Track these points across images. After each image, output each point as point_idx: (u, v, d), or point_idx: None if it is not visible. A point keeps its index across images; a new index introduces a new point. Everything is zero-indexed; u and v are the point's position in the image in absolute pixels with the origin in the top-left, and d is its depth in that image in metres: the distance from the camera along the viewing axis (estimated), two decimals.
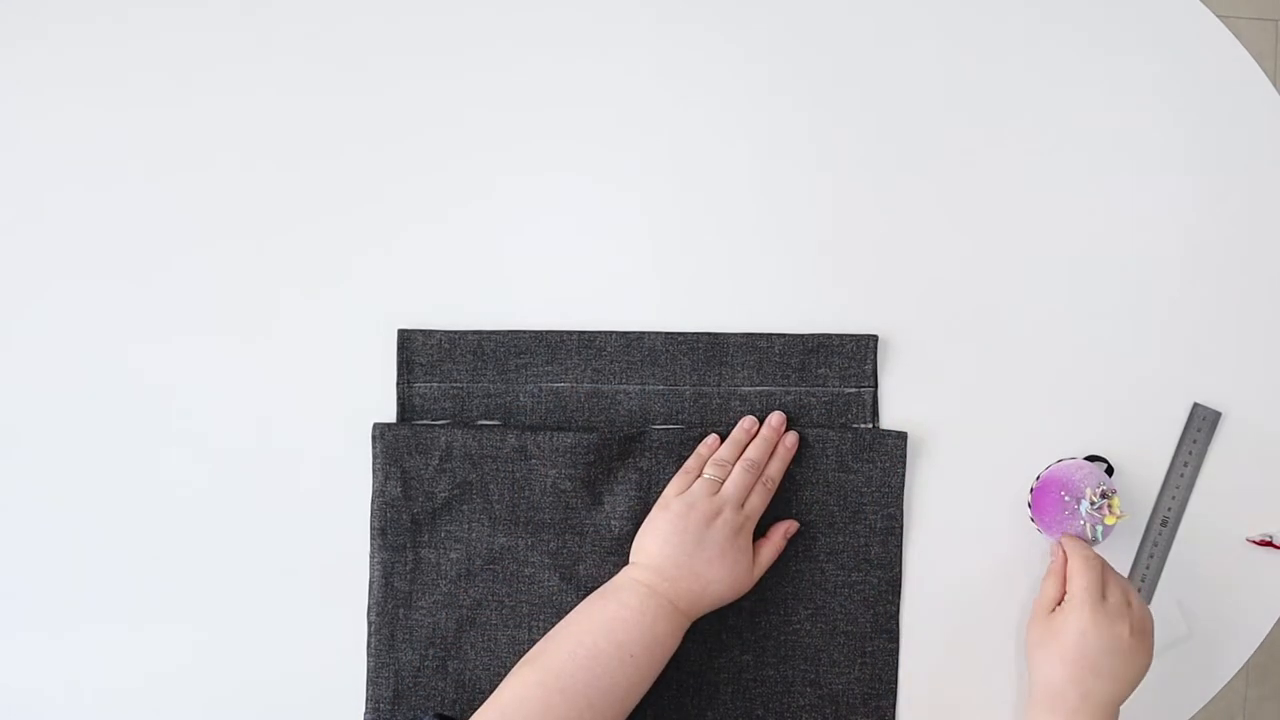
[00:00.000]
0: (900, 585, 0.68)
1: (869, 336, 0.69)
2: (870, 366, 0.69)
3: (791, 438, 0.68)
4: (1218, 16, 0.71)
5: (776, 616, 0.68)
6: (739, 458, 0.67)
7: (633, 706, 0.61)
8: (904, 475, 0.69)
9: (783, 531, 0.67)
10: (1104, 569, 0.64)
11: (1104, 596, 0.62)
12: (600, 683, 0.59)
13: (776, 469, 0.67)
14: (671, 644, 0.62)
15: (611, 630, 0.61)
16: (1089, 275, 0.71)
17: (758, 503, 0.66)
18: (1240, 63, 0.71)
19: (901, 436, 0.69)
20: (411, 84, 0.70)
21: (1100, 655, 0.61)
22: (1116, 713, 0.62)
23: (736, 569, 0.63)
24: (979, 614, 0.69)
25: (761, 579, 0.67)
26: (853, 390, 0.69)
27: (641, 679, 0.61)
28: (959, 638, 0.69)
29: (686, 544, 0.63)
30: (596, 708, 0.59)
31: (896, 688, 0.68)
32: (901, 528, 0.69)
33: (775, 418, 0.68)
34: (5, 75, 0.70)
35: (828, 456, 0.68)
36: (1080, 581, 0.63)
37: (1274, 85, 0.71)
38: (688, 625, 0.64)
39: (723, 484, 0.65)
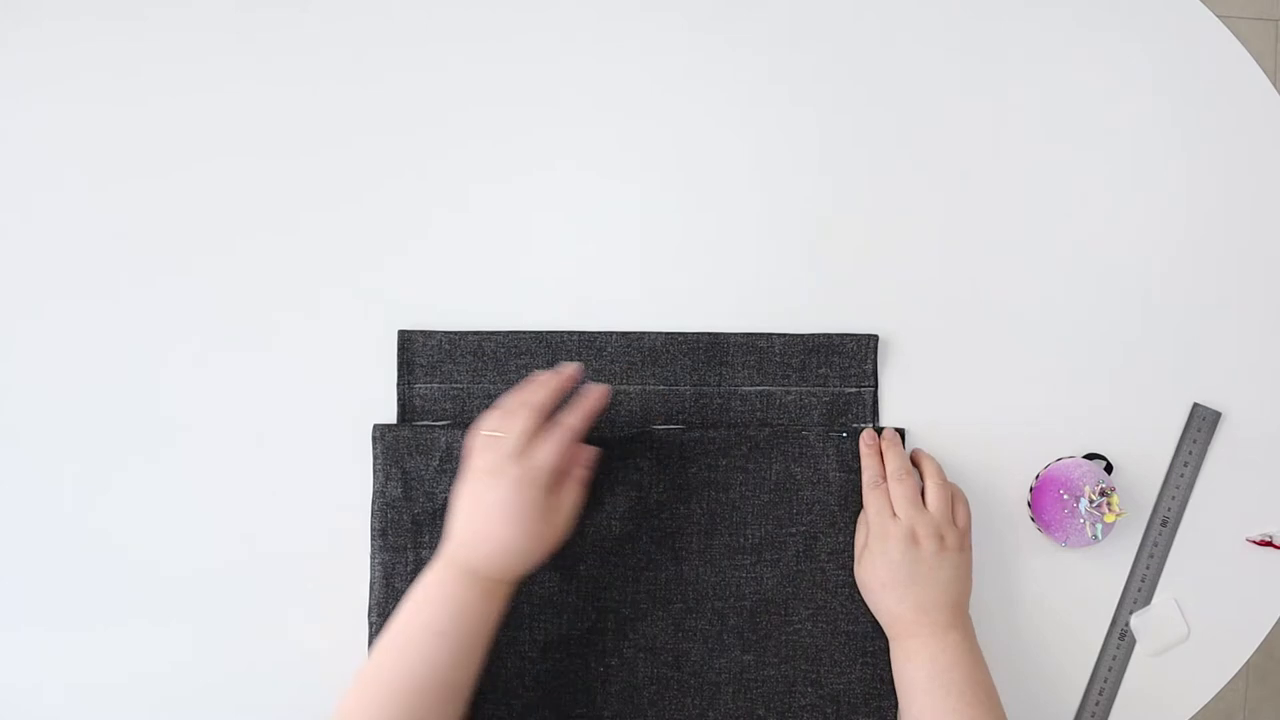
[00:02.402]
0: None
1: (869, 336, 0.69)
2: (870, 366, 0.69)
3: (599, 389, 0.63)
4: (1218, 16, 0.71)
5: (778, 616, 0.68)
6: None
7: (471, 680, 0.60)
8: None
9: (583, 461, 0.63)
10: (887, 493, 0.65)
11: (894, 515, 0.65)
12: (418, 670, 0.58)
13: (575, 418, 0.62)
14: (484, 609, 0.60)
15: (417, 613, 0.59)
16: (1089, 275, 0.71)
17: (546, 452, 0.60)
18: (1240, 63, 0.71)
19: (900, 434, 0.69)
20: (412, 83, 0.70)
21: (911, 567, 0.63)
22: (964, 611, 0.64)
23: (531, 524, 0.59)
24: (978, 618, 0.69)
25: (762, 578, 0.68)
26: (853, 390, 0.69)
27: (462, 652, 0.59)
28: None
29: (475, 506, 0.60)
30: (427, 692, 0.57)
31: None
32: None
33: (569, 368, 0.64)
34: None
35: (828, 456, 0.68)
36: (869, 513, 0.66)
37: (1274, 85, 0.71)
38: (507, 589, 0.61)
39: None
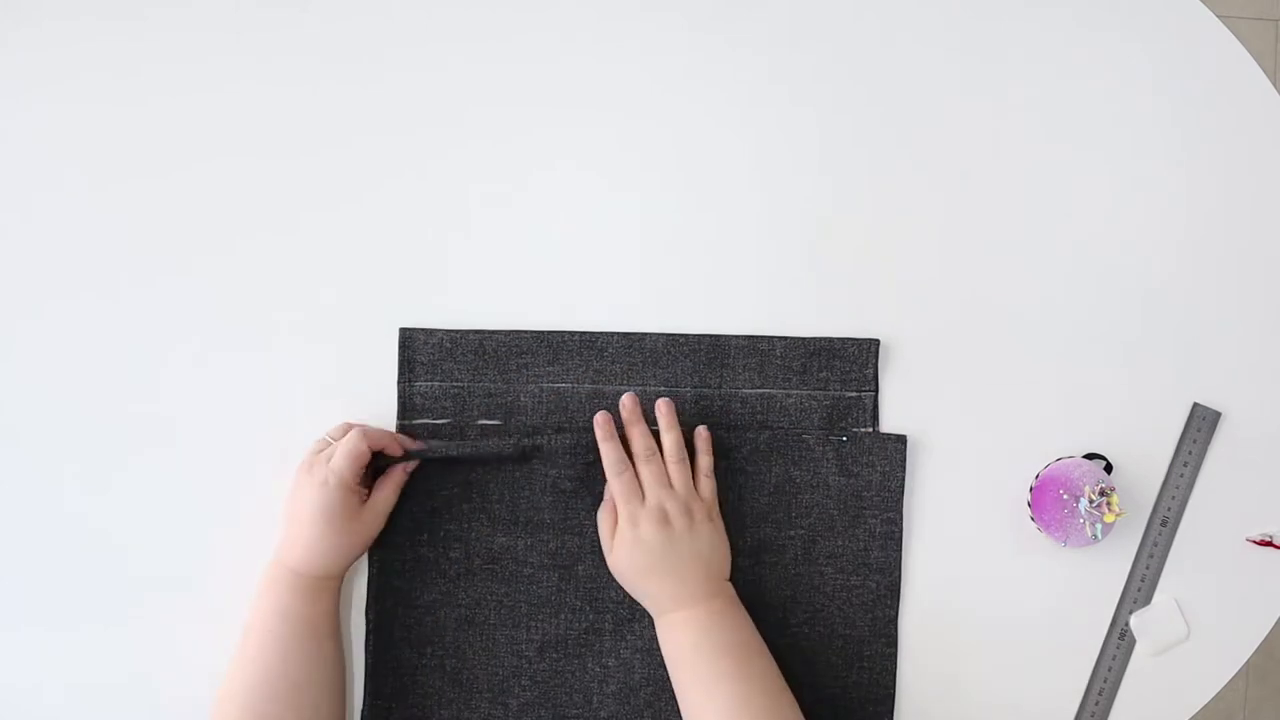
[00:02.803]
0: (899, 590, 0.68)
1: (871, 341, 0.69)
2: (871, 370, 0.69)
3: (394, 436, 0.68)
4: (1218, 16, 0.71)
5: (775, 619, 0.68)
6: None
7: (323, 678, 0.62)
8: (904, 479, 0.69)
9: (401, 469, 0.67)
10: (634, 478, 0.65)
11: (643, 499, 0.65)
12: (260, 672, 0.61)
13: (378, 433, 0.66)
14: (306, 607, 0.63)
15: (251, 617, 0.63)
16: (1089, 276, 0.71)
17: (338, 465, 0.63)
18: (1240, 63, 0.71)
19: (901, 440, 0.69)
20: (412, 84, 0.70)
21: (666, 548, 0.63)
22: (724, 578, 0.65)
23: (337, 522, 0.63)
24: (978, 619, 0.69)
25: (760, 581, 0.68)
26: (854, 394, 0.69)
27: (296, 650, 0.62)
28: (958, 643, 0.69)
29: (292, 506, 0.64)
30: (273, 692, 0.60)
31: (894, 693, 0.68)
32: (901, 532, 0.69)
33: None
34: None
35: (828, 460, 0.68)
36: (617, 499, 0.65)
37: (1274, 85, 0.71)
38: (329, 585, 0.64)
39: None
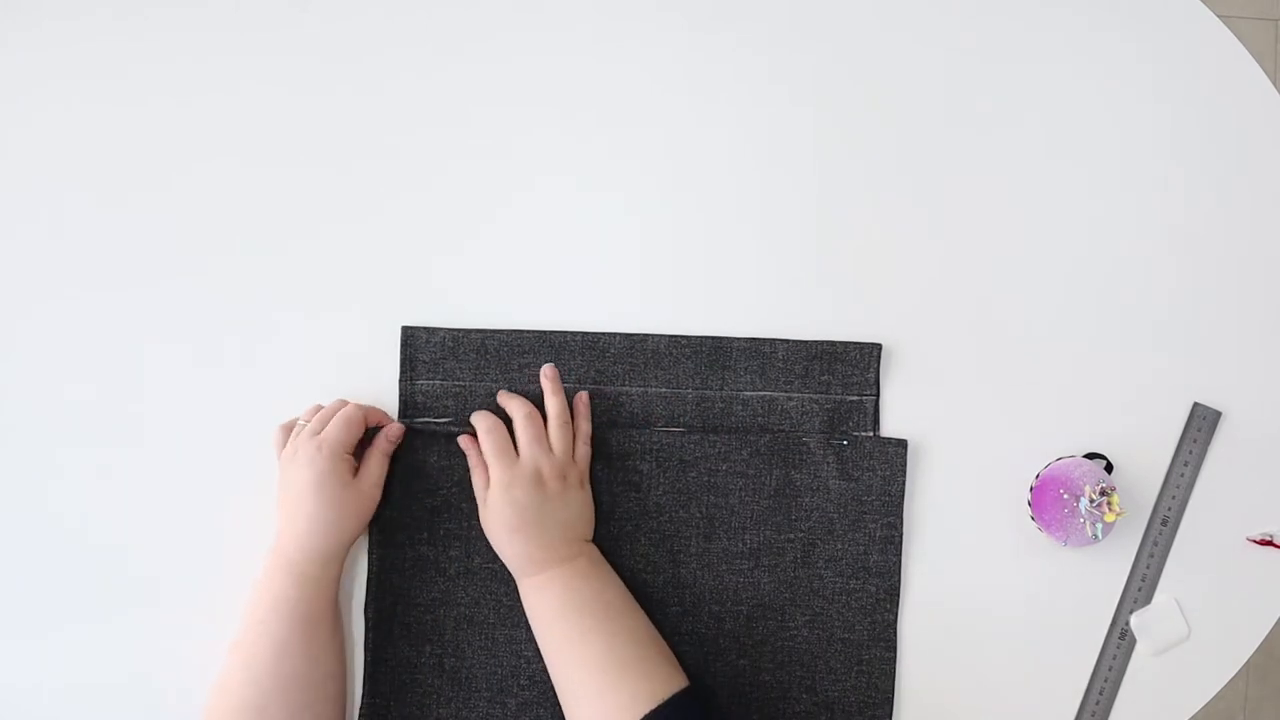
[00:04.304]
0: (899, 594, 0.68)
1: (873, 345, 0.69)
2: (873, 375, 0.69)
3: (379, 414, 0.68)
4: (1218, 16, 0.71)
5: (774, 622, 0.68)
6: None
7: (318, 671, 0.62)
8: (904, 483, 0.69)
9: (385, 438, 0.66)
10: (506, 437, 0.65)
11: (516, 457, 0.65)
12: (254, 664, 0.61)
13: (367, 407, 0.67)
14: (300, 596, 0.62)
15: (247, 609, 0.63)
16: (1090, 275, 0.71)
17: (332, 432, 0.64)
18: (1240, 63, 0.71)
19: (902, 444, 0.69)
20: (414, 82, 0.71)
21: (538, 509, 0.63)
22: (588, 540, 0.66)
23: (332, 492, 0.63)
24: (978, 620, 0.69)
25: (759, 584, 0.68)
26: (855, 398, 0.69)
27: (290, 642, 0.62)
28: (957, 645, 0.69)
29: (285, 489, 0.64)
30: (267, 684, 0.60)
31: (893, 696, 0.68)
32: (901, 536, 0.69)
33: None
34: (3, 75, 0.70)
35: (828, 464, 0.68)
36: (488, 455, 0.65)
37: (1274, 85, 0.71)
38: (325, 573, 0.64)
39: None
